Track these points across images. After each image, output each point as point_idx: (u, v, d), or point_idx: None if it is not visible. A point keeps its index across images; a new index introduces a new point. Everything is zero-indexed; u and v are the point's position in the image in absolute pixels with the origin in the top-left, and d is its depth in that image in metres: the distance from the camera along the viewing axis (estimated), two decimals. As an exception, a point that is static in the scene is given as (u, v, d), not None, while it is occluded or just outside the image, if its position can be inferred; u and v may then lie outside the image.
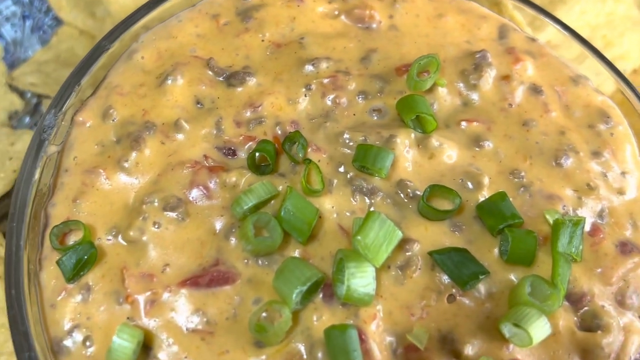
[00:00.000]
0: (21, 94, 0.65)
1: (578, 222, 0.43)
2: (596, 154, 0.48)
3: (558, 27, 0.57)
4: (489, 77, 0.50)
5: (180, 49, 0.51)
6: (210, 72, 0.50)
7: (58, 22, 0.69)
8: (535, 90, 0.49)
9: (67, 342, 0.43)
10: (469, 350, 0.41)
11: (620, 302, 0.44)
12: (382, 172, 0.45)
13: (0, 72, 0.63)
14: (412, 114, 0.46)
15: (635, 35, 0.62)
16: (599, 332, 0.43)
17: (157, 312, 0.43)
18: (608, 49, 0.61)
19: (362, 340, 0.41)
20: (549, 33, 0.57)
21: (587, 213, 0.45)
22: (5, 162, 0.54)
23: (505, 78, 0.50)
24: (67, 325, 0.43)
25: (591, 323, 0.43)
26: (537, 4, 0.58)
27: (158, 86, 0.49)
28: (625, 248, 0.45)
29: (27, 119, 0.64)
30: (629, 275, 0.44)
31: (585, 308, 0.44)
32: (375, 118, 0.49)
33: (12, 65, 0.66)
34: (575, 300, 0.44)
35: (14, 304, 0.43)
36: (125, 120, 0.48)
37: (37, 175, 0.46)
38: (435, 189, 0.44)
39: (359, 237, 0.41)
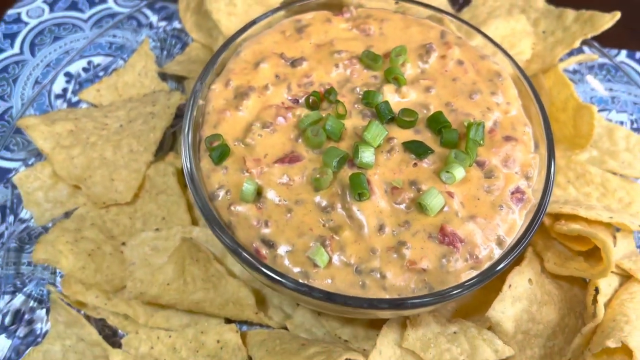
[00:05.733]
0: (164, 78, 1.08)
1: (480, 123, 0.79)
2: (493, 93, 0.85)
3: (481, 35, 0.97)
4: (434, 57, 0.88)
5: (265, 50, 0.88)
6: (282, 60, 0.89)
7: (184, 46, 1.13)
8: (459, 62, 0.87)
9: (217, 193, 0.81)
10: (424, 187, 0.78)
11: (504, 165, 0.81)
12: (375, 104, 0.84)
13: (153, 69, 1.07)
14: (392, 75, 0.86)
15: (527, 41, 1.03)
16: (493, 177, 0.80)
17: (263, 177, 0.77)
18: (511, 49, 1.01)
19: (369, 182, 0.78)
20: (477, 40, 0.97)
21: (487, 122, 0.83)
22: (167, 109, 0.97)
23: (443, 57, 0.88)
24: (216, 186, 0.80)
25: (489, 175, 0.80)
26: (467, 21, 0.98)
27: (254, 69, 0.87)
28: (508, 138, 0.82)
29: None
30: (510, 151, 0.80)
31: (486, 167, 0.80)
32: (373, 80, 0.87)
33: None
34: (480, 164, 0.79)
35: (193, 176, 0.80)
36: (238, 86, 0.85)
37: (194, 113, 0.84)
38: (405, 111, 0.82)
39: (365, 133, 0.79)
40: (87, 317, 0.90)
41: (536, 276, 0.82)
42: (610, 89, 1.10)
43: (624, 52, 1.15)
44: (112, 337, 0.90)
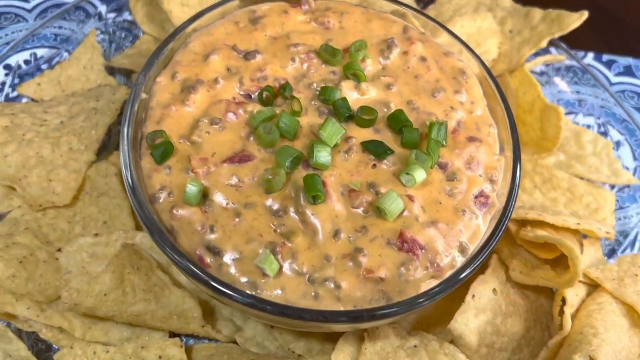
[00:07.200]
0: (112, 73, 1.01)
1: (442, 123, 0.75)
2: (457, 92, 0.81)
3: (446, 32, 0.92)
4: (396, 52, 0.83)
5: (216, 41, 0.83)
6: (235, 52, 0.83)
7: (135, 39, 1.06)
8: (422, 59, 0.83)
9: (159, 195, 0.74)
10: (383, 190, 0.73)
11: (468, 167, 0.76)
12: (333, 101, 0.78)
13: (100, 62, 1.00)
14: (351, 71, 0.80)
15: (493, 40, 0.99)
16: (455, 180, 0.75)
17: (210, 177, 0.72)
18: (477, 48, 0.97)
19: (325, 184, 0.73)
20: (442, 37, 0.92)
21: (451, 121, 0.79)
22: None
23: (405, 53, 0.84)
24: (158, 187, 0.74)
25: (452, 177, 0.76)
26: (431, 16, 0.93)
27: (204, 61, 0.81)
28: (471, 139, 0.78)
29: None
30: (474, 152, 0.76)
31: (449, 170, 0.76)
32: (332, 76, 0.82)
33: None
34: (443, 166, 0.75)
35: (129, 179, 0.74)
36: (185, 79, 0.79)
37: (136, 108, 0.76)
38: (364, 109, 0.77)
39: (321, 131, 0.74)
40: (19, 331, 0.82)
41: (501, 285, 0.78)
42: (578, 92, 1.06)
43: (590, 55, 1.12)
44: (45, 353, 0.83)
